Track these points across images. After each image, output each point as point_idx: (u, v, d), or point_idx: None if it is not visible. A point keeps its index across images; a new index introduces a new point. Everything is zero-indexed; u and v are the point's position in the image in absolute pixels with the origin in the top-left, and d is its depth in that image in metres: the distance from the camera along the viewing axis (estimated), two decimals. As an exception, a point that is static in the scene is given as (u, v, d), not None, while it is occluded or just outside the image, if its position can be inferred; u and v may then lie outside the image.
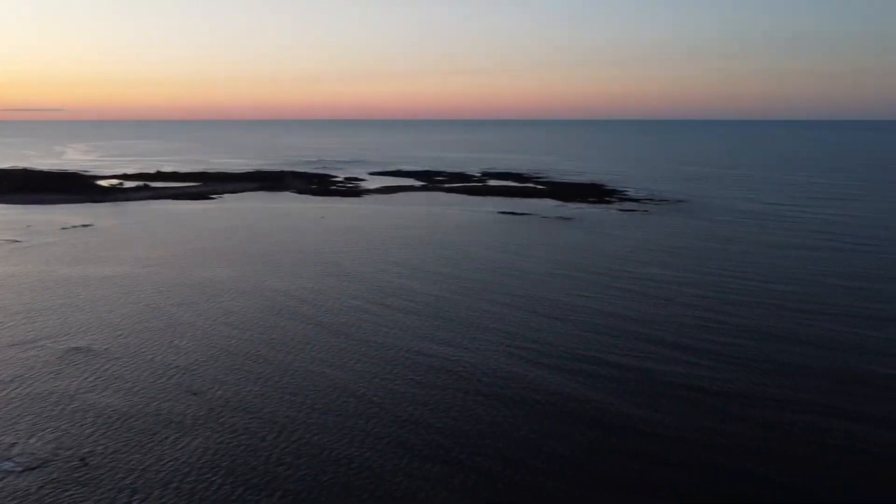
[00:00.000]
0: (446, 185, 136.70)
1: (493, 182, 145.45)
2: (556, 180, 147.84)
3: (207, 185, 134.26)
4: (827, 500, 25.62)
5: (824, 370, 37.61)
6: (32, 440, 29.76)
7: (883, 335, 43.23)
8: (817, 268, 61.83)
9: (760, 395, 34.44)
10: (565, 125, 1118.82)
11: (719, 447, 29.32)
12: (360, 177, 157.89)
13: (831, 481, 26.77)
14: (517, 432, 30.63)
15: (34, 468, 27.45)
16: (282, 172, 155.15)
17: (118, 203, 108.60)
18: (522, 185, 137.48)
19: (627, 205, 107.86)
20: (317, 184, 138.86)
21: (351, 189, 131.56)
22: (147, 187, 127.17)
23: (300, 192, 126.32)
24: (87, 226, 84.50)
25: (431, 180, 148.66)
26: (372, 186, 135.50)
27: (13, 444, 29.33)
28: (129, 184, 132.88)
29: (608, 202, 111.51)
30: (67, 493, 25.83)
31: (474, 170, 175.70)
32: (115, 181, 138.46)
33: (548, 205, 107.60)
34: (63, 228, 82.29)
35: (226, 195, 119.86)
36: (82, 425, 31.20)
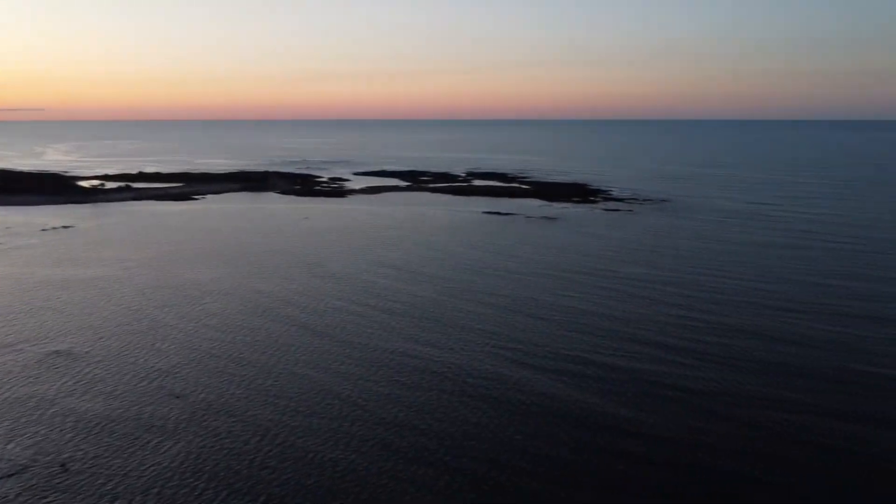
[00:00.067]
0: (431, 186, 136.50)
1: (477, 182, 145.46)
2: (541, 180, 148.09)
3: (190, 185, 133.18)
4: (812, 500, 25.71)
5: (808, 369, 37.84)
6: (11, 446, 29.28)
7: (865, 333, 43.58)
8: (800, 267, 62.28)
9: (745, 395, 34.57)
10: (551, 125, 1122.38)
11: (704, 446, 29.38)
12: (345, 177, 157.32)
13: (816, 480, 26.89)
14: (503, 433, 30.53)
15: (12, 474, 27.00)
16: (265, 173, 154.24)
17: (99, 204, 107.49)
18: (507, 185, 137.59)
19: (612, 204, 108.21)
20: (301, 184, 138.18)
21: (335, 189, 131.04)
22: (129, 188, 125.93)
23: (284, 192, 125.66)
24: (68, 227, 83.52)
25: (416, 180, 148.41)
26: (356, 187, 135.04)
27: (-9, 451, 28.86)
28: (110, 184, 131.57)
29: (593, 202, 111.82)
30: (47, 500, 25.42)
31: (459, 170, 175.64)
32: (96, 182, 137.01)
33: (532, 205, 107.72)
34: (43, 230, 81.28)
35: (209, 196, 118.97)
36: (62, 430, 30.75)
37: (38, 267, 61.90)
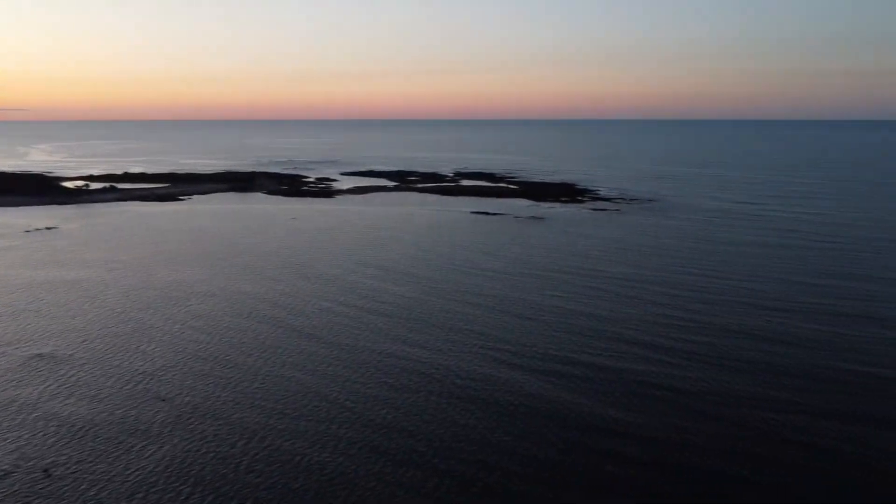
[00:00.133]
0: (419, 186, 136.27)
1: (465, 182, 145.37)
2: (529, 180, 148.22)
3: (176, 186, 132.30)
4: (800, 500, 25.74)
5: (796, 368, 37.96)
6: (-8, 451, 28.83)
7: (853, 332, 43.80)
8: (788, 266, 62.58)
9: (733, 394, 34.61)
10: (543, 125, 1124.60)
11: (693, 447, 29.37)
12: (332, 177, 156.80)
13: (804, 480, 26.93)
14: (491, 435, 30.39)
15: (-6, 480, 26.57)
16: (252, 173, 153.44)
17: (84, 205, 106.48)
18: (495, 185, 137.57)
19: (599, 204, 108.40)
20: (288, 184, 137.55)
21: (323, 190, 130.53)
22: (114, 189, 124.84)
23: (271, 192, 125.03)
24: (52, 228, 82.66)
25: (404, 180, 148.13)
26: (344, 187, 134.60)
27: (-28, 456, 28.39)
28: (95, 185, 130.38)
29: (580, 202, 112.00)
30: (29, 506, 25.03)
31: (447, 170, 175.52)
32: (80, 182, 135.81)
33: (520, 204, 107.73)
34: (26, 231, 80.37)
35: (195, 196, 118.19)
36: (45, 435, 30.32)
37: (21, 269, 61.17)
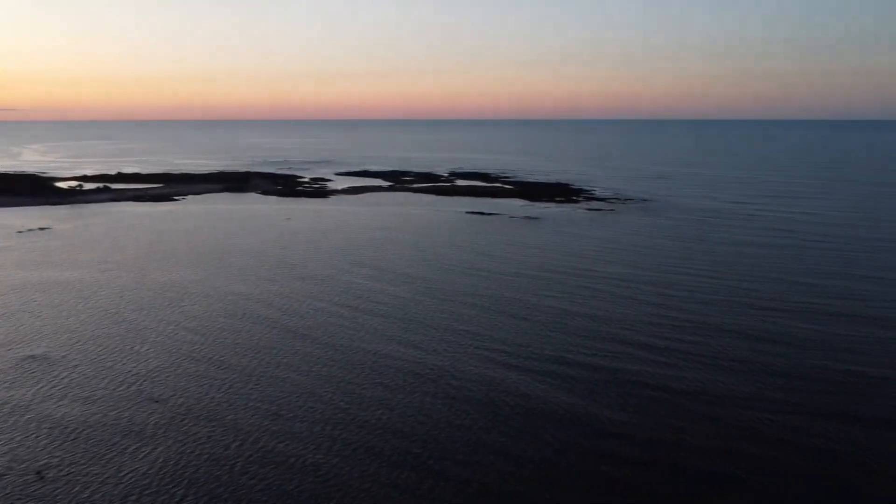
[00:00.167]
0: (414, 186, 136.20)
1: (460, 182, 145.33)
2: (524, 180, 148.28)
3: (170, 186, 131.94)
4: (794, 500, 25.73)
5: (790, 368, 38.00)
6: (-16, 453, 28.65)
7: (846, 332, 43.88)
8: (782, 266, 62.70)
9: (727, 395, 34.63)
10: (535, 125, 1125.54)
11: (688, 447, 29.36)
12: (327, 177, 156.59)
13: (798, 480, 26.94)
14: (486, 435, 30.33)
15: (-14, 483, 26.40)
16: (247, 173, 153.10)
17: (77, 205, 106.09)
18: (490, 185, 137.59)
19: (594, 204, 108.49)
20: (283, 185, 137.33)
21: (317, 190, 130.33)
22: (107, 189, 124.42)
23: (265, 193, 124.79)
24: (45, 229, 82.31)
25: (399, 180, 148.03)
26: (339, 187, 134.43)
27: (-36, 459, 28.21)
28: (88, 185, 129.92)
29: (575, 201, 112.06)
30: (21, 509, 24.88)
31: (442, 170, 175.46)
32: (74, 183, 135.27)
33: (515, 205, 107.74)
34: (19, 232, 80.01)
35: (189, 197, 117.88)
36: (38, 437, 30.15)
37: (14, 269, 60.88)
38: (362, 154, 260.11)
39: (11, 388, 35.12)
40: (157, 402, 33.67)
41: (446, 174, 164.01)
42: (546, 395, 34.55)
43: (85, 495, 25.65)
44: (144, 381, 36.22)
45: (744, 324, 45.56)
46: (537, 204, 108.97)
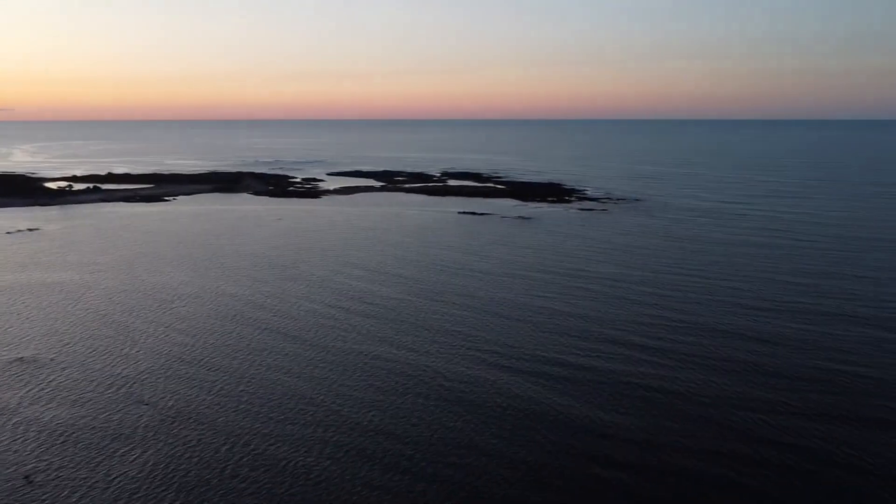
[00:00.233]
0: (406, 186, 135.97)
1: (452, 182, 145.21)
2: (516, 180, 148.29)
3: (161, 186, 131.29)
4: (786, 502, 25.70)
5: (782, 369, 38.02)
6: (-29, 458, 28.31)
7: (837, 332, 43.95)
8: (774, 265, 62.82)
9: (719, 396, 34.60)
10: (533, 126, 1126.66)
11: (680, 448, 29.30)
12: (319, 177, 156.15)
13: (791, 482, 26.91)
14: (479, 438, 30.19)
15: (-28, 488, 26.08)
16: (238, 174, 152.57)
17: (67, 206, 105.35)
18: (482, 185, 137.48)
19: (586, 204, 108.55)
20: (274, 185, 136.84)
21: (309, 190, 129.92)
22: (97, 189, 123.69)
23: (257, 193, 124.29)
24: (34, 230, 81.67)
25: (391, 180, 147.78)
26: (331, 187, 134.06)
27: (-50, 463, 27.86)
28: (78, 186, 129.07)
29: (567, 201, 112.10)
30: (8, 514, 24.58)
31: (434, 170, 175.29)
32: (63, 183, 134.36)
33: (507, 205, 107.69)
34: (8, 233, 79.36)
35: (180, 197, 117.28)
36: (25, 440, 29.82)
37: (1, 271, 60.33)
38: (354, 154, 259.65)
39: (-1, 392, 34.75)
40: (146, 404, 33.37)
41: (438, 174, 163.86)
42: (539, 396, 34.44)
43: (74, 500, 25.37)
44: (134, 383, 35.91)
45: (736, 324, 45.58)
46: (529, 204, 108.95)
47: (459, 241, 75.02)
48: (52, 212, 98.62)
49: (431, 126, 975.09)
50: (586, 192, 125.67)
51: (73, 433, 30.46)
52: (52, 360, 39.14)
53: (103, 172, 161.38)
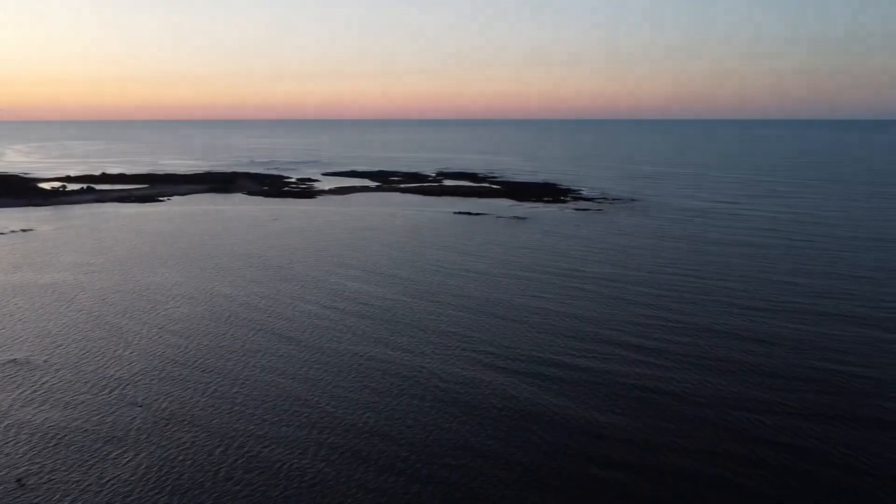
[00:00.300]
0: (401, 186, 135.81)
1: (448, 182, 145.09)
2: (512, 180, 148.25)
3: (155, 187, 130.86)
4: (783, 502, 25.63)
5: (778, 369, 37.97)
6: (-38, 461, 28.05)
7: (834, 332, 43.95)
8: (769, 265, 62.84)
9: (716, 396, 34.53)
10: (526, 125, 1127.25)
11: (676, 449, 29.21)
12: (314, 177, 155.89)
13: (787, 482, 26.84)
14: (475, 439, 30.05)
15: (-37, 492, 25.85)
16: (233, 174, 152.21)
17: (61, 206, 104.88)
18: (478, 185, 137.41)
19: (582, 204, 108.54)
20: (269, 185, 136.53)
21: (304, 190, 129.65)
22: (91, 190, 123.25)
23: (252, 193, 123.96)
24: (27, 230, 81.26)
25: (386, 180, 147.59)
26: (326, 187, 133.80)
27: (-59, 467, 27.61)
28: (72, 186, 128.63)
29: (563, 201, 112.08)
30: (-1, 518, 24.36)
31: (429, 170, 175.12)
32: (57, 184, 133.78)
33: (503, 204, 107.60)
34: (1, 233, 78.92)
35: (174, 197, 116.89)
36: (17, 443, 29.57)
37: (-5, 272, 59.98)
38: (350, 154, 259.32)
39: (-9, 394, 34.47)
40: (140, 406, 33.15)
41: (434, 174, 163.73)
42: (535, 397, 34.32)
43: (66, 503, 25.15)
44: (127, 385, 35.67)
45: (733, 324, 45.55)
46: (525, 204, 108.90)
47: (455, 242, 74.89)
48: (46, 212, 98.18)
49: (431, 126, 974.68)
50: (582, 191, 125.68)
51: (66, 436, 30.22)
52: (44, 361, 38.88)
53: (97, 173, 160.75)
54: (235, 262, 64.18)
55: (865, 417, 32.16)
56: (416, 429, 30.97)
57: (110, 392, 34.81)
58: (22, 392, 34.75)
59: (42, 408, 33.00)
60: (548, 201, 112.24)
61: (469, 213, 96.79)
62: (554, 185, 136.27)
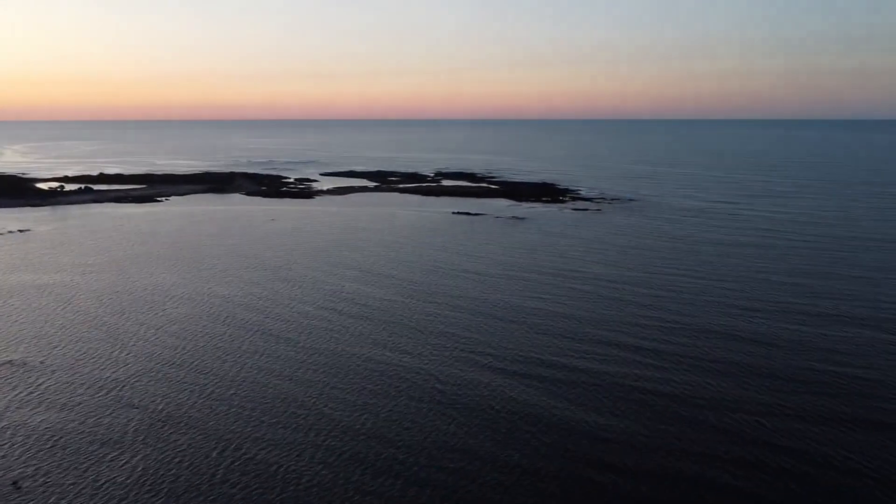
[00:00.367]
0: (400, 186, 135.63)
1: (446, 182, 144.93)
2: (510, 180, 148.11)
3: (153, 187, 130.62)
4: None
5: (776, 370, 37.86)
6: (-43, 464, 27.89)
7: (832, 333, 43.84)
8: (768, 266, 62.73)
9: (715, 398, 34.41)
10: (524, 125, 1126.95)
11: (675, 451, 29.09)
12: (312, 177, 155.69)
13: (785, 484, 26.72)
14: (473, 441, 29.92)
15: (-42, 495, 25.68)
16: (231, 174, 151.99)
17: (58, 207, 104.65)
18: (476, 185, 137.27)
19: (580, 204, 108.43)
20: (267, 185, 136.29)
21: (302, 190, 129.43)
22: (89, 190, 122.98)
23: (250, 193, 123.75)
24: (25, 231, 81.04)
25: (385, 181, 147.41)
26: (324, 187, 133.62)
27: (-65, 469, 27.44)
28: (70, 186, 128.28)
29: (561, 201, 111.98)
30: (-6, 522, 24.20)
31: (428, 170, 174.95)
32: (55, 184, 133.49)
33: (501, 205, 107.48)
34: (-2, 234, 78.74)
35: (172, 198, 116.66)
36: (12, 445, 29.41)
37: (-9, 273, 59.77)
38: (347, 154, 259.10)
39: (-14, 396, 34.29)
40: (136, 408, 32.99)
41: (432, 174, 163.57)
42: (533, 399, 34.19)
43: (61, 507, 25.01)
44: (124, 387, 35.51)
45: (731, 325, 45.43)
46: (523, 204, 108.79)
47: (453, 242, 74.75)
48: (44, 212, 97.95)
49: (431, 126, 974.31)
50: (580, 191, 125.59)
51: (62, 438, 30.06)
52: (41, 363, 38.70)
53: (95, 173, 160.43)
54: (233, 263, 64.00)
55: (865, 419, 32.05)
56: (414, 431, 30.83)
57: (106, 394, 34.64)
58: (18, 394, 34.58)
59: (38, 410, 32.84)
60: (546, 201, 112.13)
61: (468, 214, 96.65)
62: (552, 185, 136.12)
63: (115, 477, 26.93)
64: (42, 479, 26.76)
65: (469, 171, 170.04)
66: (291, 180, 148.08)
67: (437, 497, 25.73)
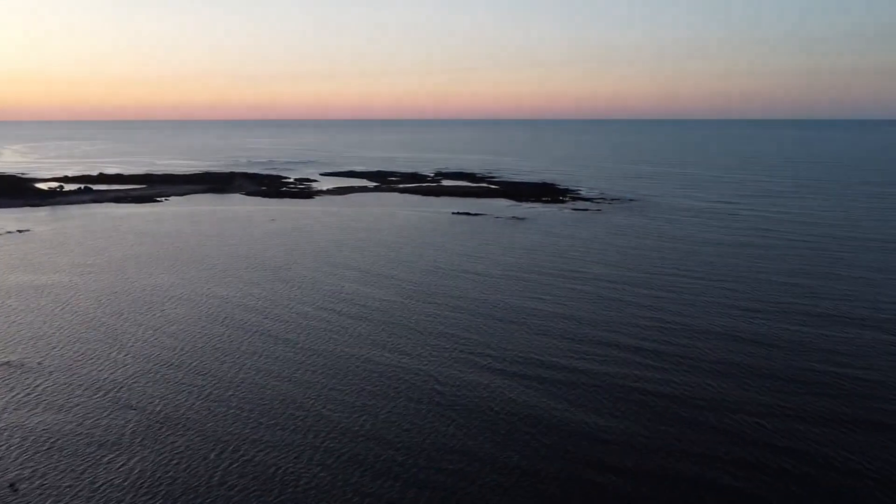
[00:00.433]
0: (400, 186, 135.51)
1: (446, 182, 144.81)
2: (510, 180, 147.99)
3: (153, 187, 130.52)
4: (783, 505, 25.43)
5: (777, 371, 37.73)
6: (-46, 466, 27.77)
7: (832, 334, 43.72)
8: (767, 266, 62.60)
9: (715, 398, 34.28)
10: (525, 125, 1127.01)
11: (675, 453, 28.96)
12: (312, 178, 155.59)
13: (784, 485, 26.60)
14: (472, 442, 29.79)
15: (-46, 497, 25.56)
16: (231, 174, 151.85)
17: (58, 207, 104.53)
18: (476, 185, 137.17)
19: (580, 204, 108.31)
20: (267, 185, 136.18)
21: (302, 190, 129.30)
22: (89, 190, 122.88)
23: (249, 193, 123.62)
24: (24, 231, 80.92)
25: (384, 181, 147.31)
26: (324, 187, 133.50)
27: (-68, 471, 27.32)
28: (69, 186, 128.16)
29: (561, 202, 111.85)
30: (-10, 524, 24.08)
31: (428, 170, 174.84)
32: (55, 184, 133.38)
33: (501, 205, 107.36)
34: (-3, 234, 78.61)
35: (172, 198, 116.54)
36: (9, 447, 29.29)
37: (-10, 273, 59.65)
38: (347, 154, 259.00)
39: (-16, 397, 34.17)
40: (134, 410, 32.86)
41: (432, 174, 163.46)
42: (533, 400, 34.07)
43: (58, 509, 24.88)
44: (122, 388, 35.38)
45: (732, 326, 45.31)
46: (523, 204, 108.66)
47: (453, 242, 74.62)
48: (43, 213, 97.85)
49: (431, 126, 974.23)
50: (580, 191, 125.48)
51: (59, 439, 29.94)
52: (38, 364, 38.58)
53: (95, 173, 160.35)
54: (232, 264, 63.87)
55: (866, 420, 31.93)
56: (413, 432, 30.70)
57: (104, 395, 34.52)
58: (15, 395, 34.46)
59: (35, 411, 32.71)
60: (546, 201, 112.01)
61: (467, 214, 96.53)
62: (552, 185, 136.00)
63: (112, 479, 26.80)
64: (39, 481, 26.63)
65: (469, 171, 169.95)
66: (291, 180, 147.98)
67: (436, 499, 25.60)
